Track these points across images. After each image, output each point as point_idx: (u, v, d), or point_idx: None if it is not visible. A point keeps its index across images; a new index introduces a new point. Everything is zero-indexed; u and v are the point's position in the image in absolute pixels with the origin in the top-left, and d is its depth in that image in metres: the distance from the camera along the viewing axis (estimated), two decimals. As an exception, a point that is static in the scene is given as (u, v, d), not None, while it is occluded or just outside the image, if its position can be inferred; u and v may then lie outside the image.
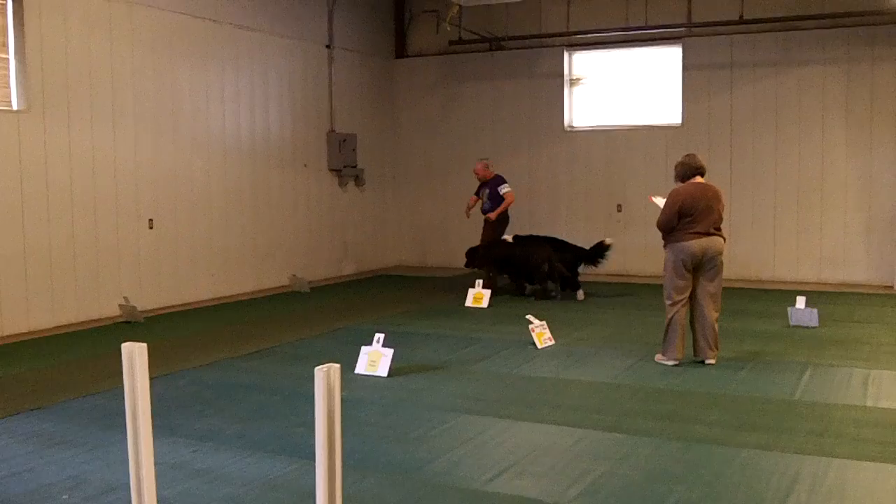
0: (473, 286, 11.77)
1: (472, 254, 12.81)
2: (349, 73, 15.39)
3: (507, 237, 12.53)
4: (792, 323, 9.80)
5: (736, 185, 13.79)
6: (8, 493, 4.90)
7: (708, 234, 7.76)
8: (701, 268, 7.82)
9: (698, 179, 7.92)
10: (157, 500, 3.46)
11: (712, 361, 7.93)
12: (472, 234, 16.17)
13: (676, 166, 8.04)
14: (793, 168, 13.70)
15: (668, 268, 7.86)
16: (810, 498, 4.68)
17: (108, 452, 5.59)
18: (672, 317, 7.85)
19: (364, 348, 7.80)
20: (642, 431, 5.93)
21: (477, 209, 13.06)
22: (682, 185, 7.92)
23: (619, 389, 7.14)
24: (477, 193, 13.04)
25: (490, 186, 12.69)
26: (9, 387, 7.40)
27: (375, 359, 7.68)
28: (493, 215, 12.59)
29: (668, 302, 7.90)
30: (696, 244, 7.72)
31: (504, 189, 12.62)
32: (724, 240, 7.94)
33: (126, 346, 3.03)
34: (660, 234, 8.04)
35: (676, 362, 7.91)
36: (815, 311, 9.74)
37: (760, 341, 8.98)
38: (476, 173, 12.91)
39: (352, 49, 15.41)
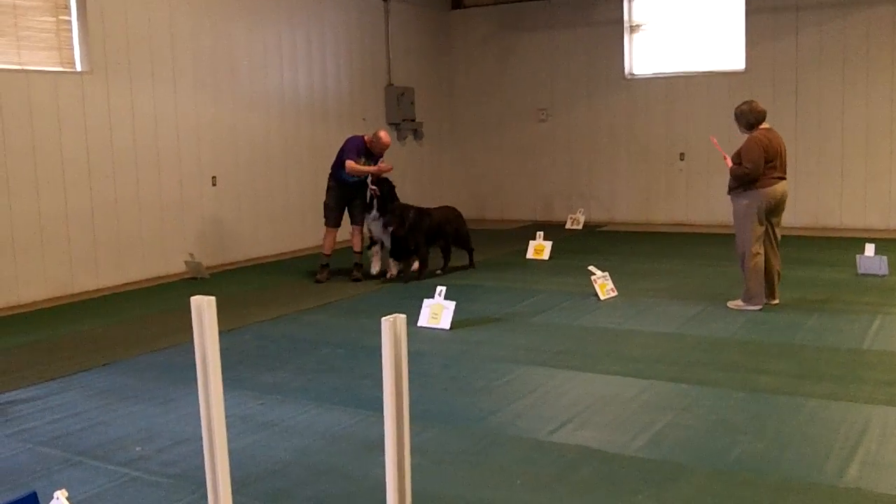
0: (534, 238, 11.71)
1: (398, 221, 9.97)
2: (406, 26, 15.30)
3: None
4: (860, 271, 9.60)
5: (801, 131, 13.47)
6: (83, 444, 5.05)
7: (784, 177, 7.92)
8: (775, 211, 7.92)
9: (765, 125, 7.89)
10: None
11: (776, 302, 8.10)
12: (532, 186, 16.10)
13: (743, 114, 7.92)
14: (860, 113, 13.32)
15: (750, 215, 7.83)
16: (880, 448, 4.61)
17: (178, 406, 5.73)
18: (756, 262, 7.88)
19: (426, 301, 7.85)
20: (707, 382, 5.88)
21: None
22: (756, 132, 7.85)
23: (682, 340, 7.08)
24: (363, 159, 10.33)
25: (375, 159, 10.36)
26: (80, 342, 7.60)
27: (437, 311, 7.72)
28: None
29: (752, 250, 7.87)
30: (779, 188, 7.85)
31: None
32: None
33: (195, 300, 3.08)
34: (725, 183, 8.03)
35: (761, 307, 7.96)
36: (884, 258, 9.52)
37: (828, 290, 8.82)
38: (387, 145, 10.36)
39: (407, 1, 15.29)
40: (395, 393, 2.68)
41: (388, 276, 10.37)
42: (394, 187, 10.41)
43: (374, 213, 10.15)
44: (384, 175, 10.33)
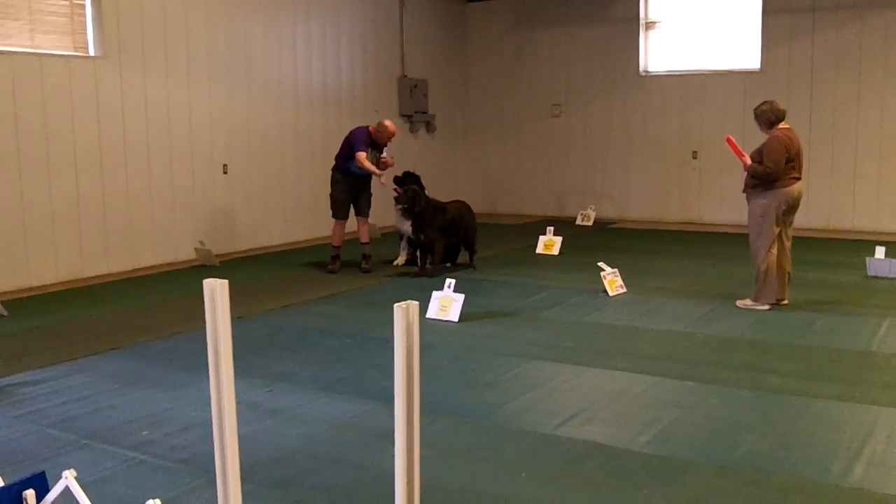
0: (545, 233, 11.70)
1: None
2: (421, 18, 15.29)
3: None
4: (870, 273, 9.58)
5: (815, 133, 13.41)
6: (92, 427, 5.08)
7: (800, 177, 7.94)
8: (790, 212, 7.96)
9: (784, 125, 7.89)
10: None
11: (786, 302, 8.10)
12: (544, 182, 16.08)
13: (763, 113, 7.91)
14: (875, 116, 13.26)
15: (769, 215, 7.83)
16: (886, 449, 4.60)
17: (186, 392, 5.75)
18: (769, 262, 7.88)
19: (435, 293, 7.85)
20: (714, 380, 5.88)
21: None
22: (777, 131, 7.85)
23: (691, 338, 7.07)
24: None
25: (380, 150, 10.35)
26: (91, 327, 7.64)
27: (446, 304, 7.72)
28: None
29: (765, 250, 7.88)
30: (797, 188, 7.90)
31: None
32: None
33: (208, 282, 3.08)
34: (738, 183, 8.06)
35: (770, 307, 7.96)
36: (894, 261, 9.49)
37: (837, 291, 8.80)
38: (393, 134, 10.32)
39: (423, -6, 15.31)
40: (406, 379, 2.69)
41: (395, 263, 10.62)
42: (419, 178, 10.62)
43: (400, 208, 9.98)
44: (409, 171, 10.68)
